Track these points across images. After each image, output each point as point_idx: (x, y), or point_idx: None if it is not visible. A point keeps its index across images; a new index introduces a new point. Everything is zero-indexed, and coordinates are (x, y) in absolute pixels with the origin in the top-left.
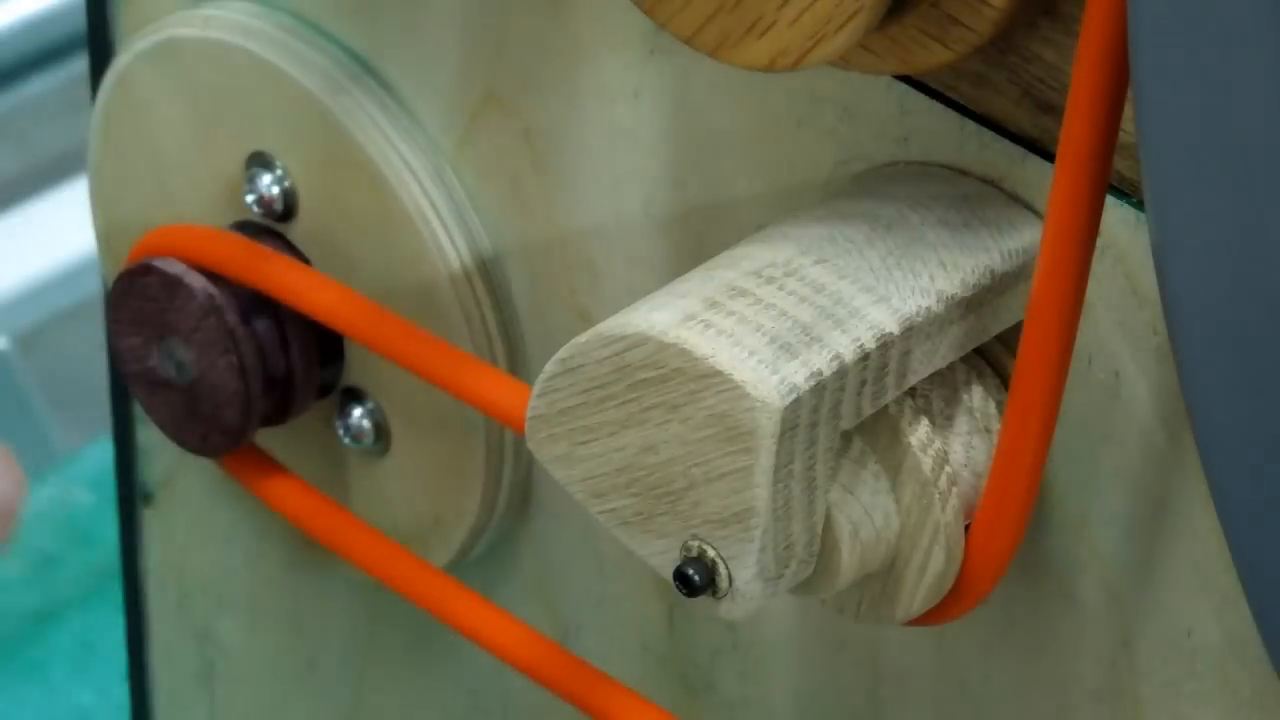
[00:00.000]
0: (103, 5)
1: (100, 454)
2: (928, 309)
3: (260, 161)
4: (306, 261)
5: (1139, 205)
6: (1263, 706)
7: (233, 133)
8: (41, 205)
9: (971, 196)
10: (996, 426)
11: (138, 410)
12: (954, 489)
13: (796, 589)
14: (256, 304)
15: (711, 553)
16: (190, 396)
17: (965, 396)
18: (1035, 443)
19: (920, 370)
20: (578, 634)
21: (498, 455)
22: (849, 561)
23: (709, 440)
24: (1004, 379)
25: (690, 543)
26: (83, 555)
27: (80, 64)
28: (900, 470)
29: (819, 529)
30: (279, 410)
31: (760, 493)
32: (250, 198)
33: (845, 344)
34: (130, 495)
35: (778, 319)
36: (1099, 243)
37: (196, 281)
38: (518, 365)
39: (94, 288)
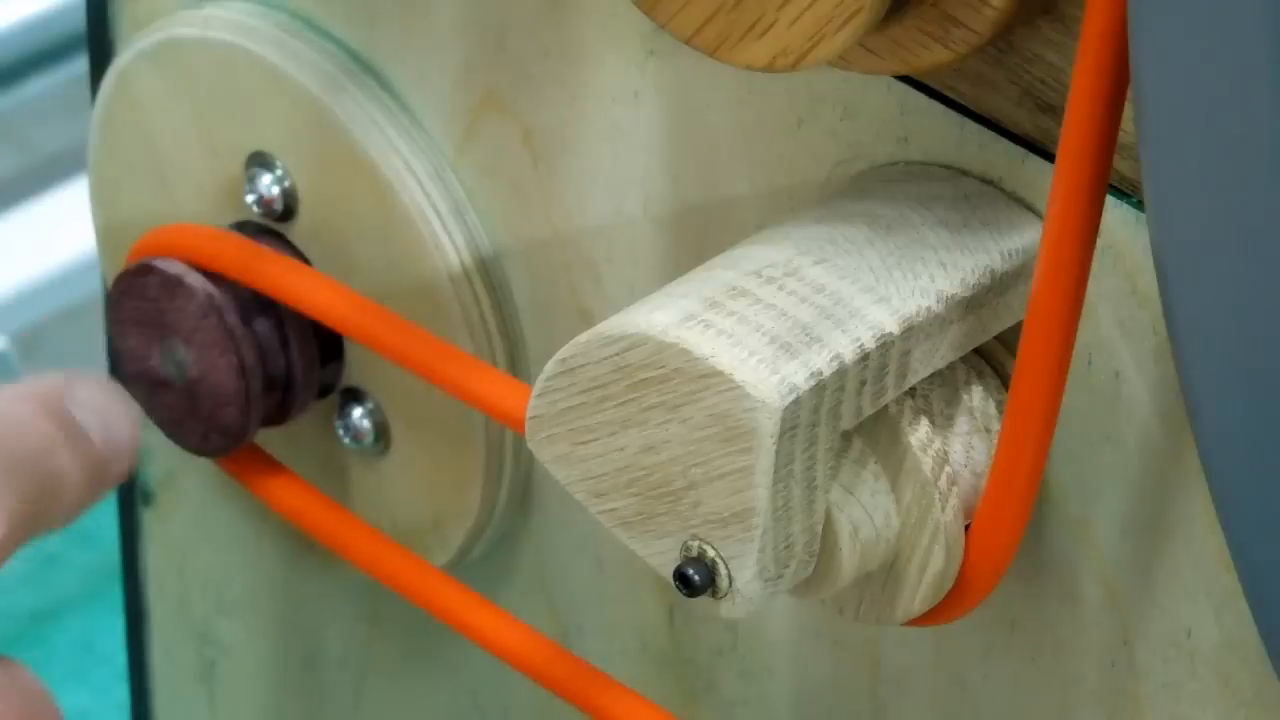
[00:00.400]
0: (103, 5)
1: None
2: (928, 309)
3: (260, 161)
4: (306, 261)
5: (1139, 205)
6: (1263, 706)
7: (233, 133)
8: (41, 205)
9: (971, 196)
10: (996, 426)
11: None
12: (954, 489)
13: (796, 589)
14: (256, 304)
15: (711, 553)
16: (190, 396)
17: (965, 396)
18: (1035, 443)
19: (920, 370)
20: (578, 634)
21: (498, 455)
22: (849, 561)
23: (709, 440)
24: (1004, 379)
25: (690, 543)
26: (83, 555)
27: (80, 64)
28: (900, 470)
29: (819, 529)
30: (279, 410)
31: (760, 493)
32: (250, 198)
33: (845, 344)
34: (130, 495)
35: (778, 319)
36: (1099, 243)
37: (196, 281)
38: (518, 365)
39: (94, 288)
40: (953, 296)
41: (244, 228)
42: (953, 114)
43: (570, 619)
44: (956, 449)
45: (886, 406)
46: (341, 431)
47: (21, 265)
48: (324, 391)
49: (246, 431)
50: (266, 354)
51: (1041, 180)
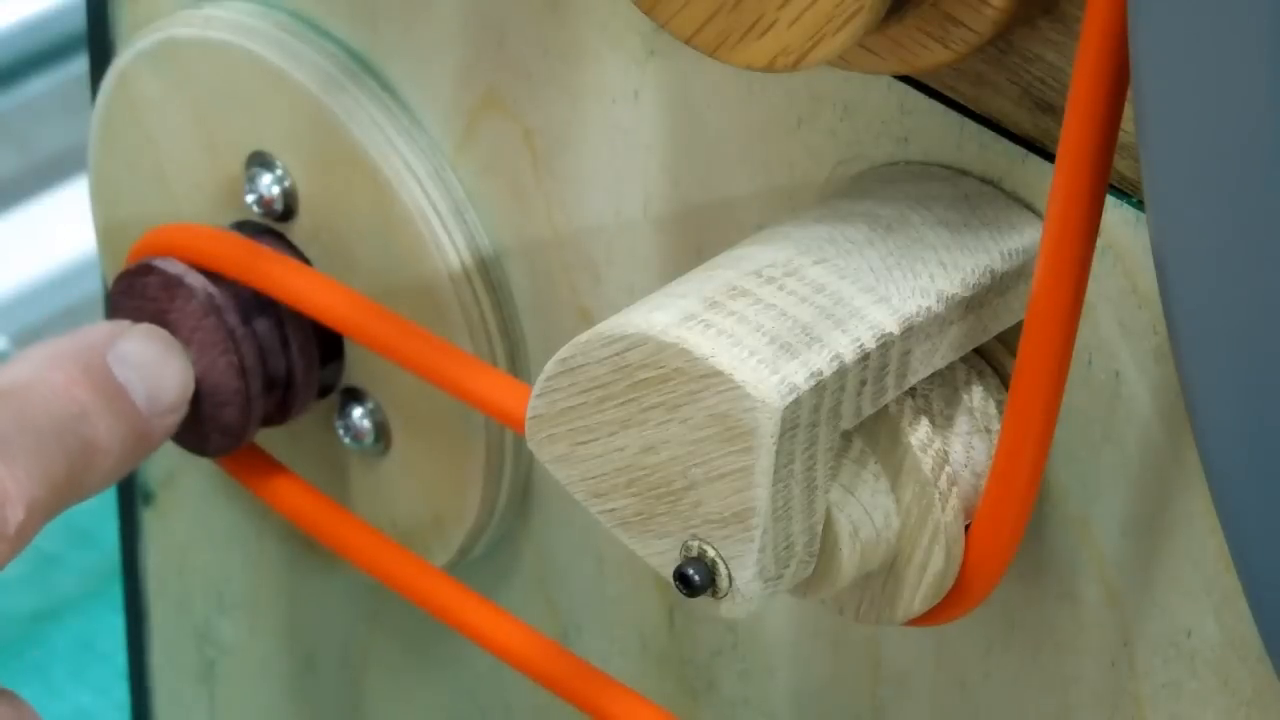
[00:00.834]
0: (103, 5)
1: None
2: (928, 309)
3: (260, 161)
4: (306, 261)
5: (1139, 205)
6: (1263, 706)
7: (233, 133)
8: (41, 205)
9: (971, 196)
10: (996, 426)
11: None
12: (954, 489)
13: (796, 589)
14: (256, 304)
15: (711, 553)
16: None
17: (965, 396)
18: (1035, 443)
19: (920, 370)
20: (578, 634)
21: (498, 455)
22: (849, 561)
23: (709, 440)
24: (1004, 379)
25: (690, 543)
26: (83, 555)
27: (80, 64)
28: (900, 470)
29: (819, 529)
30: (279, 410)
31: (760, 493)
32: (250, 197)
33: (845, 344)
34: (130, 495)
35: (778, 319)
36: (1099, 243)
37: (196, 281)
38: (518, 365)
39: (94, 288)
40: (953, 296)
41: (244, 228)
42: (953, 114)
43: (570, 619)
44: (956, 449)
45: (886, 406)
46: (341, 431)
47: (21, 265)
48: (324, 391)
49: (246, 431)
50: (266, 354)
51: (1041, 180)
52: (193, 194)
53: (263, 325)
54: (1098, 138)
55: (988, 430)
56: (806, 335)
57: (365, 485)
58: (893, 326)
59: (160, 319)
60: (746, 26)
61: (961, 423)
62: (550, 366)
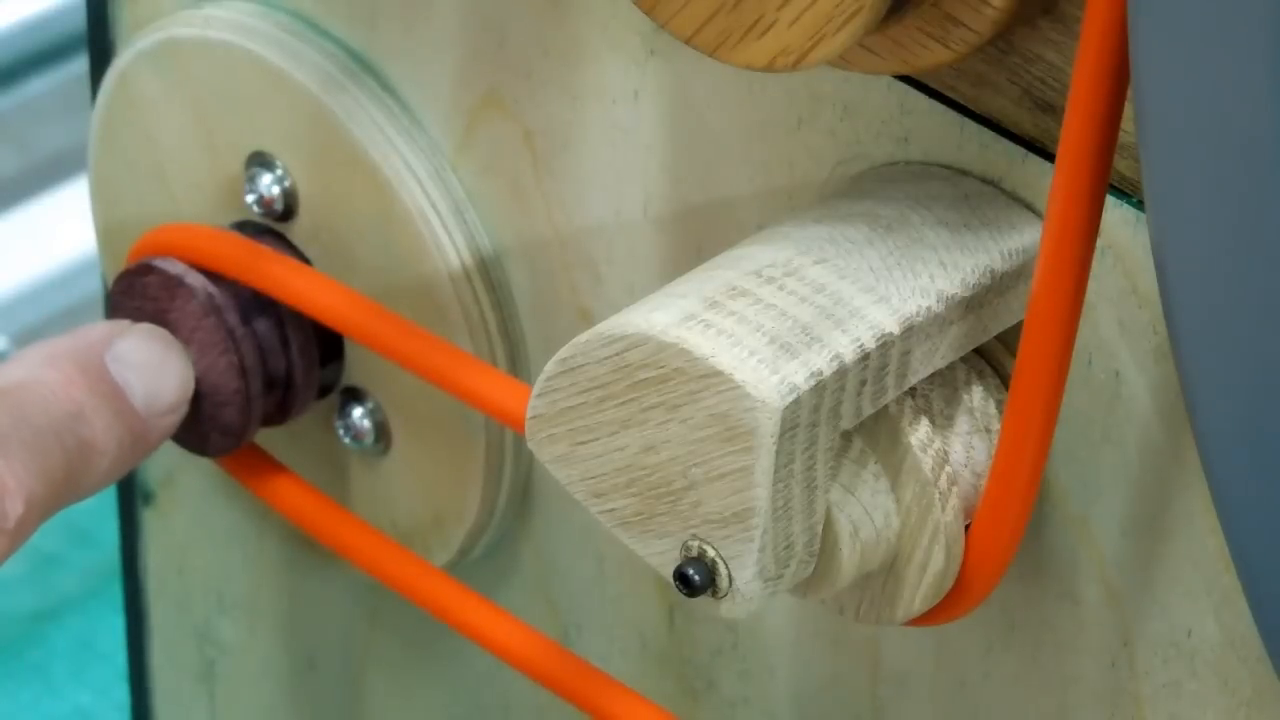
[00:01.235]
0: (103, 5)
1: None
2: (928, 309)
3: (260, 161)
4: (306, 261)
5: (1139, 205)
6: (1263, 706)
7: (233, 133)
8: (41, 205)
9: (971, 196)
10: (996, 426)
11: None
12: (954, 489)
13: (796, 589)
14: (256, 304)
15: (711, 553)
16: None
17: (965, 396)
18: (1035, 443)
19: (920, 370)
20: (578, 634)
21: (498, 455)
22: (849, 561)
23: (709, 440)
24: (1004, 379)
25: (690, 543)
26: (83, 555)
27: (80, 64)
28: (900, 470)
29: (819, 529)
30: (279, 410)
31: (760, 493)
32: (250, 197)
33: (845, 344)
34: (130, 495)
35: (778, 319)
36: (1099, 243)
37: (196, 281)
38: (518, 365)
39: (94, 288)
40: (953, 296)
41: (244, 228)
42: (953, 114)
43: (570, 618)
44: (956, 449)
45: (886, 406)
46: (342, 431)
47: (21, 265)
48: (324, 391)
49: (246, 431)
50: (266, 354)
51: (1041, 180)
52: (193, 194)
53: (263, 325)
54: (1098, 138)
55: (988, 430)
56: (806, 335)
57: (365, 485)
58: (893, 326)
59: (160, 319)
60: (746, 26)
61: (961, 423)
62: (550, 366)
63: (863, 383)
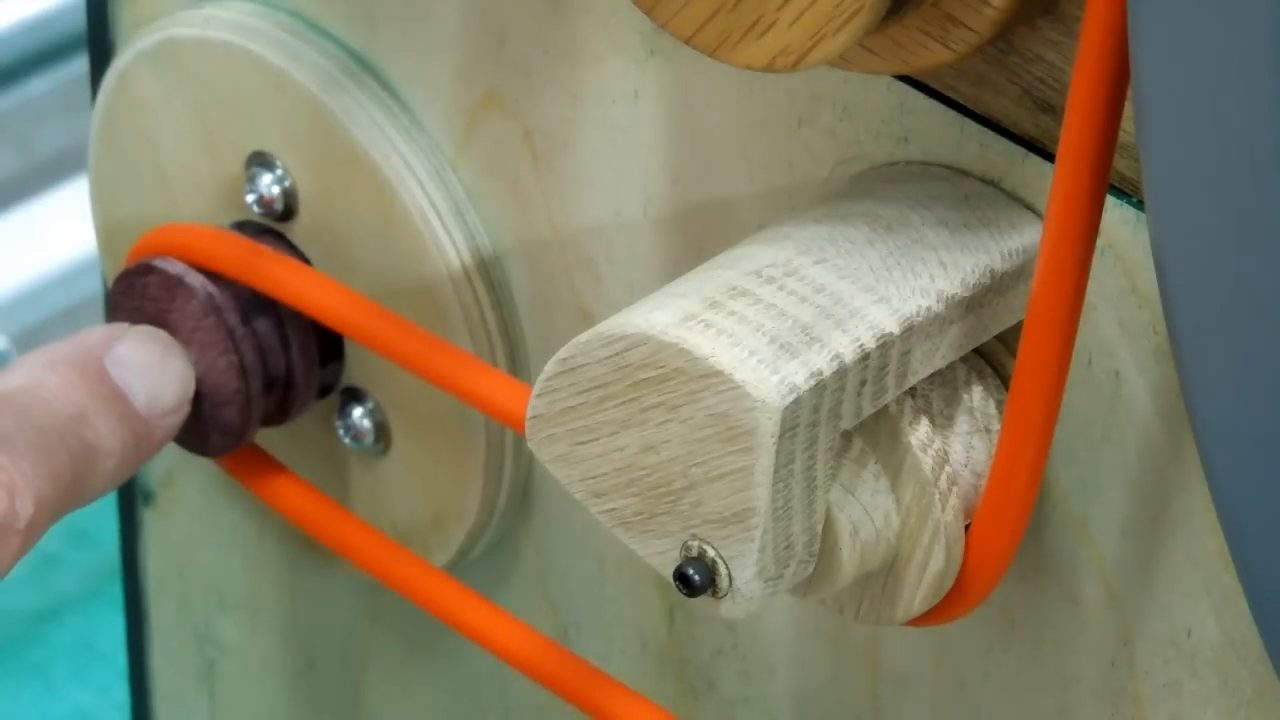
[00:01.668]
0: (103, 5)
1: None
2: (928, 309)
3: (260, 161)
4: (306, 261)
5: (1139, 205)
6: (1263, 706)
7: (233, 133)
8: (41, 205)
9: (972, 196)
10: (996, 426)
11: None
12: (954, 489)
13: (796, 589)
14: (256, 304)
15: (711, 553)
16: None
17: (965, 396)
18: (1035, 443)
19: (920, 370)
20: (578, 634)
21: (498, 455)
22: (849, 561)
23: (709, 440)
24: (1004, 379)
25: (690, 543)
26: (83, 555)
27: (80, 64)
28: (900, 470)
29: (819, 529)
30: (279, 410)
31: (760, 493)
32: (250, 197)
33: (845, 344)
34: (130, 495)
35: (778, 319)
36: (1099, 243)
37: (196, 281)
38: (518, 365)
39: (94, 288)
40: (953, 296)
41: (244, 228)
42: (953, 114)
43: (570, 618)
44: (956, 449)
45: (886, 406)
46: (341, 431)
47: (21, 265)
48: (324, 391)
49: (246, 431)
50: (266, 354)
51: (1041, 180)
52: (193, 194)
53: (263, 325)
54: (1098, 138)
55: (988, 430)
56: (806, 335)
57: (365, 485)
58: (893, 326)
59: (160, 319)
60: (746, 26)
61: (961, 423)
62: (550, 366)
63: (863, 383)
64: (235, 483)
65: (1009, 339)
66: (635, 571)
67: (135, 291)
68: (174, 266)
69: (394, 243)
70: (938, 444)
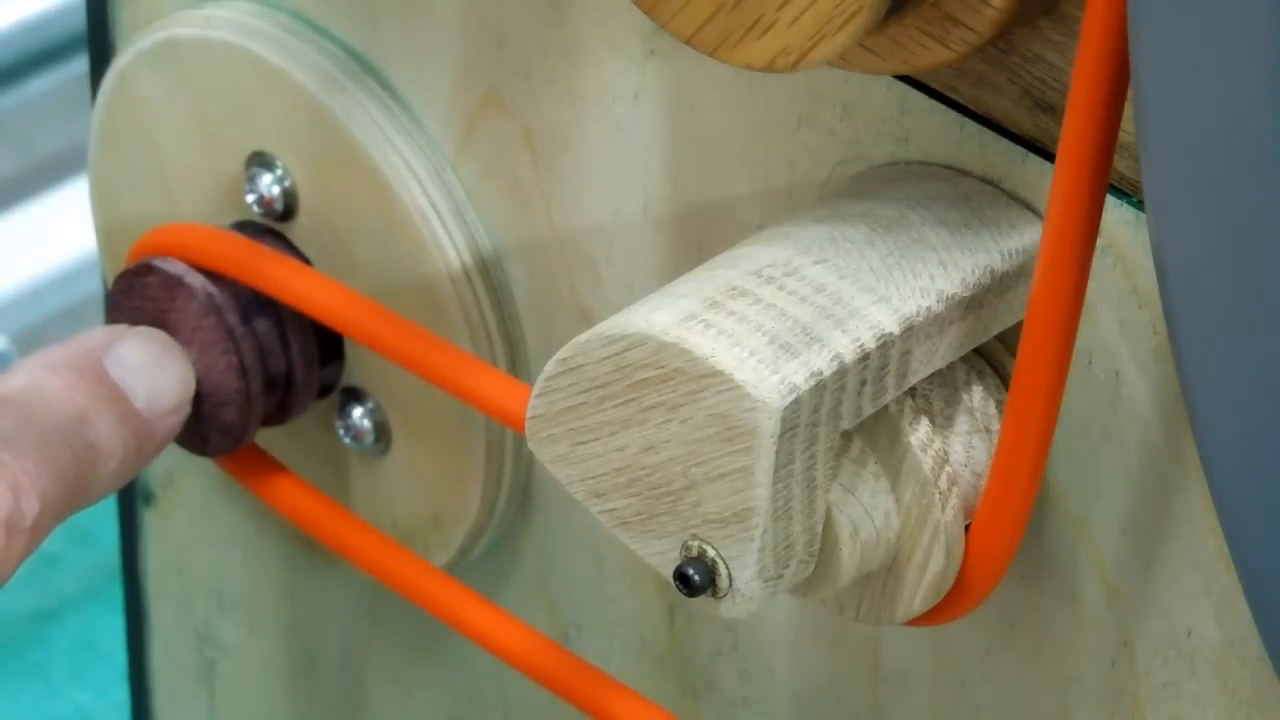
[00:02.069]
0: (103, 5)
1: None
2: (928, 309)
3: (260, 161)
4: (306, 261)
5: (1139, 205)
6: (1263, 706)
7: (233, 133)
8: (41, 205)
9: (972, 196)
10: (996, 426)
11: None
12: (954, 489)
13: (796, 589)
14: (256, 304)
15: (711, 553)
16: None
17: (965, 396)
18: (1035, 443)
19: (920, 370)
20: (578, 634)
21: (498, 455)
22: (849, 561)
23: (709, 440)
24: (1004, 379)
25: (690, 543)
26: (83, 555)
27: (80, 64)
28: (900, 470)
29: (819, 529)
30: (279, 410)
31: (760, 493)
32: (250, 197)
33: (845, 344)
34: (130, 495)
35: (778, 319)
36: (1099, 243)
37: (196, 281)
38: (518, 365)
39: (94, 288)
40: (953, 296)
41: (244, 228)
42: (953, 114)
43: (570, 618)
44: (956, 449)
45: (886, 406)
46: (341, 431)
47: (21, 265)
48: (324, 391)
49: (246, 431)
50: (266, 354)
51: (1041, 180)
52: (193, 194)
53: (263, 325)
54: (1098, 138)
55: (988, 430)
56: (806, 335)
57: (365, 485)
58: (893, 326)
59: (160, 319)
60: (746, 26)
61: (961, 423)
62: (550, 366)
63: (863, 383)
64: (235, 483)
65: (1009, 339)
66: (635, 571)
67: (135, 291)
68: (174, 266)
69: (394, 243)
70: (938, 444)
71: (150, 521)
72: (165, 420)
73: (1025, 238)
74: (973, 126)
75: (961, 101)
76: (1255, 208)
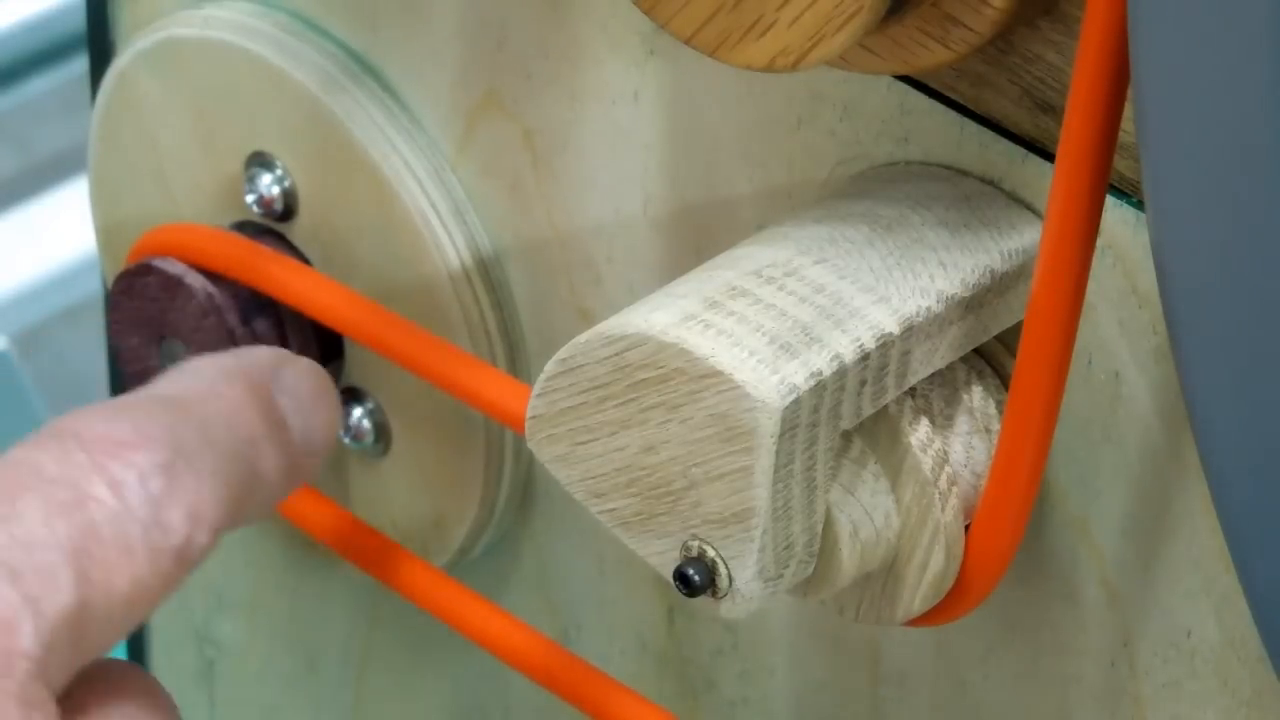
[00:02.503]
0: (103, 5)
1: None
2: (928, 309)
3: (260, 161)
4: (306, 261)
5: (1139, 205)
6: (1263, 706)
7: (233, 133)
8: (41, 205)
9: (972, 196)
10: (996, 426)
11: None
12: (954, 489)
13: (796, 589)
14: (256, 304)
15: (711, 553)
16: None
17: (965, 396)
18: (1035, 443)
19: (920, 370)
20: (578, 634)
21: (498, 455)
22: (849, 561)
23: (709, 440)
24: (1004, 379)
25: (690, 543)
26: None
27: (80, 64)
28: (900, 470)
29: (819, 529)
30: None
31: (760, 493)
32: (250, 198)
33: (845, 344)
34: None
35: (778, 319)
36: (1099, 243)
37: (196, 281)
38: (518, 365)
39: (94, 288)
40: (953, 296)
41: (244, 228)
42: (953, 114)
43: (570, 619)
44: (956, 449)
45: (886, 406)
46: (341, 431)
47: (21, 265)
48: None
49: None
50: None
51: (1041, 180)
52: (193, 194)
53: (263, 325)
54: (1098, 138)
55: (988, 430)
56: (806, 335)
57: (365, 485)
58: (893, 326)
59: (160, 319)
60: (746, 26)
61: (961, 423)
62: (550, 366)
63: (863, 383)
64: None
65: (1009, 339)
66: (635, 571)
67: (135, 291)
68: (174, 266)
69: (394, 243)
70: (938, 444)
71: None
72: (309, 460)
73: (1025, 238)
74: (973, 127)
75: (961, 101)
76: (1255, 208)
